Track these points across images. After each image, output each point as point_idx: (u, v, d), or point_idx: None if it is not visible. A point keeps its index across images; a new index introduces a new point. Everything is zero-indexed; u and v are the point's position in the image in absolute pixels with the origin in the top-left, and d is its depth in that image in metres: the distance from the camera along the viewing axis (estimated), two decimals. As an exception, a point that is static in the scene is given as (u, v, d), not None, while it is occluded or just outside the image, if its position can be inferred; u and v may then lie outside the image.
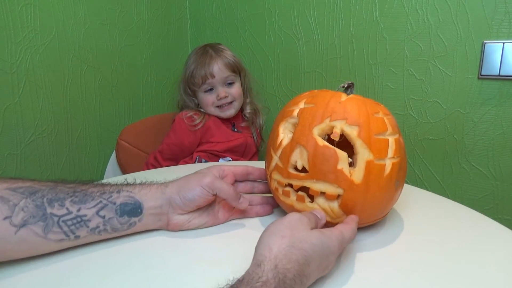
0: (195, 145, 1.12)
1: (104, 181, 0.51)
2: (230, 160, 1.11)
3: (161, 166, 1.11)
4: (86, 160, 1.15)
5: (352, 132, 0.49)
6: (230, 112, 1.14)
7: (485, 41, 0.99)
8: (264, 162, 0.59)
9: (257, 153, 1.24)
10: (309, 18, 1.23)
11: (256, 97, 1.26)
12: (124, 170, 1.12)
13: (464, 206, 0.65)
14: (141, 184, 0.51)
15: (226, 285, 0.35)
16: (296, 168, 0.50)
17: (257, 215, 0.58)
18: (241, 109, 1.21)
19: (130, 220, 0.48)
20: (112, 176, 1.16)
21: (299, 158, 0.50)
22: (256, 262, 0.37)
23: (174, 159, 1.13)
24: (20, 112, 0.97)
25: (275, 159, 0.53)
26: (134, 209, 0.48)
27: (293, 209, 0.52)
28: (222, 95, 1.11)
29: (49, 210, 0.43)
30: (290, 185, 0.52)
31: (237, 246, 0.50)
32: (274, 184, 0.54)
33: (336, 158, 0.48)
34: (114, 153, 1.17)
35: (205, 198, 0.51)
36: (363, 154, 0.49)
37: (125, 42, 1.22)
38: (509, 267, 0.47)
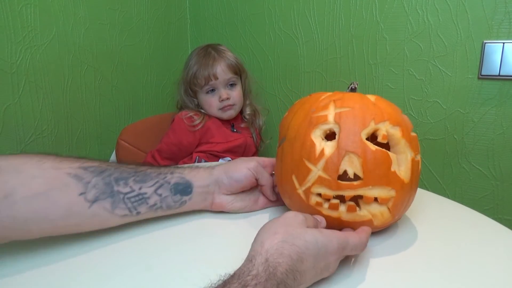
0: (194, 146, 1.12)
1: None
2: (230, 160, 1.11)
3: (159, 165, 1.11)
4: (86, 160, 1.15)
5: (396, 133, 0.49)
6: (230, 113, 1.15)
7: (485, 41, 0.99)
8: (281, 176, 0.54)
9: (257, 153, 1.24)
10: (309, 18, 1.23)
11: (256, 99, 1.26)
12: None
13: (464, 206, 0.65)
14: (190, 167, 0.57)
15: (219, 280, 0.36)
16: (340, 178, 0.47)
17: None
18: (241, 111, 1.21)
19: (182, 198, 0.53)
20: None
21: (348, 166, 0.47)
22: (248, 258, 0.38)
23: (173, 159, 1.13)
24: (20, 112, 0.97)
25: (316, 172, 0.48)
26: (185, 188, 0.53)
27: (340, 223, 0.49)
28: (224, 97, 1.11)
29: (116, 188, 0.48)
30: (338, 197, 0.48)
31: (239, 247, 0.50)
32: (314, 199, 0.49)
33: (390, 161, 0.47)
34: (114, 153, 1.17)
35: (250, 180, 0.56)
36: (407, 153, 0.49)
37: (125, 42, 1.22)
38: (509, 267, 0.47)
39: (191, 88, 1.14)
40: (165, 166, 0.55)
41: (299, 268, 0.38)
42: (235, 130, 1.18)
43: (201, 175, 0.55)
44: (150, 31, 1.31)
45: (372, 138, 0.49)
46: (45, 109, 1.02)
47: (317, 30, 1.23)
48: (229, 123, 1.17)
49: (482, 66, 1.00)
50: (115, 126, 1.23)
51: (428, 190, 0.74)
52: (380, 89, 1.16)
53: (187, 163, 1.10)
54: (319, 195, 0.48)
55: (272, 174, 0.60)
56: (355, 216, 0.48)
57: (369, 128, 0.48)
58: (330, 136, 0.49)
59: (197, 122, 1.11)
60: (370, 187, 0.47)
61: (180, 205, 0.53)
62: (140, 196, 0.50)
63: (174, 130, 1.11)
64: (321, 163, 0.48)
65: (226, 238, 0.52)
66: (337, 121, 0.49)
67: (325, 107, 0.51)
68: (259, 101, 1.28)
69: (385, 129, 0.48)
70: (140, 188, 0.50)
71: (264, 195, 0.60)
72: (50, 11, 1.00)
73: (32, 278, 0.42)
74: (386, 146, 0.49)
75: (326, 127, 0.49)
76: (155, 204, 0.51)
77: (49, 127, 1.04)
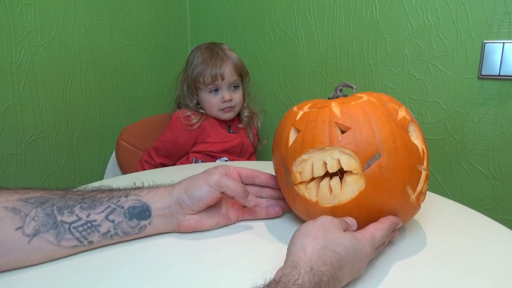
0: (190, 145, 1.12)
1: (113, 185, 0.51)
2: (227, 160, 1.11)
3: (155, 163, 1.11)
4: (86, 160, 1.15)
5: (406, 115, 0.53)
6: (230, 115, 1.15)
7: (485, 41, 0.99)
8: (274, 167, 0.55)
9: (255, 153, 1.23)
10: (309, 18, 1.23)
11: (253, 101, 1.26)
12: (124, 170, 1.12)
13: (464, 206, 0.65)
14: (148, 187, 0.51)
15: (262, 285, 0.36)
16: None
17: (267, 216, 0.57)
18: (238, 113, 1.21)
19: (140, 223, 0.49)
20: (112, 176, 1.16)
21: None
22: (292, 264, 0.37)
23: (169, 157, 1.13)
24: (20, 112, 0.97)
25: (424, 171, 0.50)
26: (142, 212, 0.48)
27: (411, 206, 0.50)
28: (227, 98, 1.11)
29: (59, 218, 0.44)
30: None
31: (238, 247, 0.50)
32: (422, 198, 0.51)
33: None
34: (114, 153, 1.17)
35: (213, 196, 0.51)
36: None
37: (125, 42, 1.22)
38: (509, 267, 0.47)
39: (195, 85, 1.13)
40: (120, 189, 0.50)
41: (338, 276, 0.38)
42: (231, 131, 1.17)
43: (160, 195, 0.50)
44: (150, 31, 1.31)
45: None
46: (45, 109, 1.02)
47: (317, 30, 1.23)
48: (226, 123, 1.17)
49: (482, 66, 1.00)
50: (115, 126, 1.23)
51: (428, 190, 0.74)
52: (380, 89, 1.16)
53: (184, 164, 1.10)
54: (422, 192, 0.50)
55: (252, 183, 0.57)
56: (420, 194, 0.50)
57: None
58: None
59: (194, 121, 1.11)
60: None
61: (140, 231, 0.49)
62: (89, 224, 0.45)
63: (171, 129, 1.11)
64: (425, 161, 0.50)
65: (227, 239, 0.52)
66: (412, 119, 0.51)
67: (394, 108, 0.51)
68: (256, 104, 1.27)
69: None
70: (88, 216, 0.45)
71: (238, 203, 0.55)
72: (50, 11, 1.00)
73: (33, 277, 0.42)
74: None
75: (411, 127, 0.51)
76: (108, 232, 0.47)
77: (49, 127, 1.04)
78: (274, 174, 0.57)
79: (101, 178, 1.19)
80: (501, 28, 0.97)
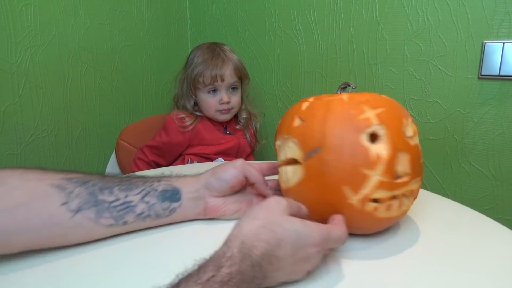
0: (183, 146, 1.12)
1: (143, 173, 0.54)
2: (223, 161, 1.11)
3: (148, 160, 1.11)
4: (86, 160, 1.15)
5: (415, 128, 0.53)
6: (226, 116, 1.14)
7: (485, 41, 0.99)
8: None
9: (252, 154, 1.23)
10: (309, 18, 1.23)
11: (252, 103, 1.25)
12: (124, 170, 1.12)
13: (464, 206, 0.65)
14: (177, 175, 0.55)
15: (194, 265, 0.36)
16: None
17: None
18: (236, 115, 1.20)
19: (171, 205, 0.51)
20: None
21: (400, 164, 0.48)
22: (225, 241, 0.39)
23: (162, 156, 1.13)
24: (20, 112, 0.97)
25: (375, 177, 0.46)
26: (173, 195, 0.52)
27: (388, 221, 0.50)
28: (225, 100, 1.10)
29: (100, 197, 0.47)
30: (391, 197, 0.48)
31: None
32: (370, 206, 0.47)
33: (420, 153, 0.51)
34: (114, 153, 1.17)
35: (238, 178, 0.54)
36: (419, 145, 0.53)
37: (125, 42, 1.22)
38: (509, 267, 0.47)
39: (193, 85, 1.12)
40: (151, 176, 0.54)
41: (276, 254, 0.38)
42: (228, 132, 1.17)
43: (188, 181, 0.54)
44: (150, 31, 1.31)
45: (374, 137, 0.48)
46: (45, 109, 1.02)
47: (317, 30, 1.23)
48: (222, 125, 1.17)
49: (482, 66, 1.00)
50: (115, 126, 1.23)
51: (428, 190, 0.74)
52: (380, 89, 1.16)
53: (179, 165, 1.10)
54: (375, 200, 0.47)
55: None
56: (399, 211, 0.50)
57: (404, 125, 0.50)
58: (371, 138, 0.48)
59: (188, 123, 1.11)
60: (413, 181, 0.50)
61: (170, 213, 0.52)
62: (126, 205, 0.48)
63: (166, 129, 1.12)
64: (380, 167, 0.46)
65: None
66: (381, 122, 0.47)
67: (363, 110, 0.48)
68: (255, 106, 1.26)
69: (410, 124, 0.52)
70: (126, 196, 0.48)
71: (258, 193, 0.58)
72: (50, 11, 1.00)
73: (33, 275, 0.42)
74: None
75: (370, 129, 0.47)
76: (142, 213, 0.49)
77: (49, 127, 1.04)
78: None
79: (101, 178, 1.19)
80: (501, 28, 0.97)
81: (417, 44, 1.08)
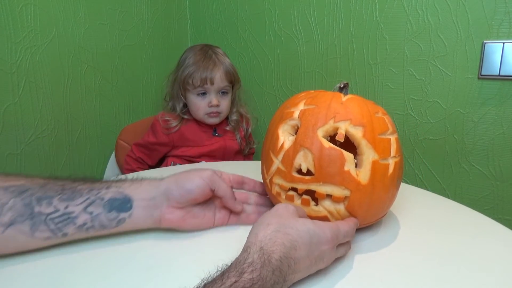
0: (169, 147, 1.12)
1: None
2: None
3: (135, 156, 1.12)
4: (86, 160, 1.15)
5: (357, 133, 0.49)
6: (215, 120, 1.13)
7: (485, 41, 0.99)
8: (261, 167, 0.57)
9: (241, 156, 1.21)
10: (309, 18, 1.23)
11: (245, 107, 1.24)
12: (123, 170, 1.12)
13: (464, 206, 0.65)
14: (132, 179, 0.50)
15: (217, 271, 0.37)
16: (299, 171, 0.49)
17: (252, 222, 0.55)
18: (226, 118, 1.19)
19: (119, 216, 0.47)
20: (112, 176, 1.16)
21: (303, 161, 0.49)
22: (244, 248, 0.39)
23: (148, 155, 1.13)
24: (20, 112, 0.97)
25: (276, 163, 0.51)
26: (123, 203, 0.47)
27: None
28: (214, 103, 1.09)
29: (36, 209, 0.43)
30: (294, 189, 0.50)
31: (236, 247, 0.50)
32: (275, 189, 0.52)
33: (343, 160, 0.47)
34: (114, 153, 1.17)
35: (203, 190, 0.50)
36: (369, 154, 0.48)
37: (125, 42, 1.22)
38: (509, 267, 0.47)
39: (183, 86, 1.12)
40: (102, 180, 0.49)
41: (293, 256, 0.39)
42: (216, 134, 1.16)
43: (144, 187, 0.49)
44: (150, 31, 1.31)
45: (336, 138, 0.49)
46: (45, 109, 1.02)
47: (317, 30, 1.23)
48: (211, 126, 1.15)
49: (482, 66, 1.00)
50: (115, 126, 1.23)
51: (428, 190, 0.74)
52: (380, 89, 1.16)
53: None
54: (280, 186, 0.51)
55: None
56: (310, 211, 0.49)
57: (327, 126, 0.49)
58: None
59: (173, 125, 1.11)
60: (321, 183, 0.48)
61: (118, 224, 0.47)
62: (66, 216, 0.44)
63: (152, 130, 1.12)
64: (280, 156, 0.51)
65: (225, 239, 0.52)
66: (300, 117, 0.51)
67: (297, 104, 0.53)
68: (247, 110, 1.25)
69: (343, 128, 0.49)
70: (66, 207, 0.44)
71: (226, 207, 0.54)
72: (50, 11, 1.00)
73: (30, 273, 0.42)
74: (349, 145, 0.50)
75: (292, 122, 0.52)
76: (84, 224, 0.45)
77: (49, 127, 1.04)
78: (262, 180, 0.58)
79: (101, 178, 1.19)
80: (501, 28, 0.97)
81: (417, 44, 1.08)
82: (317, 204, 0.49)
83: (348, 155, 0.48)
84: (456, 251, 0.50)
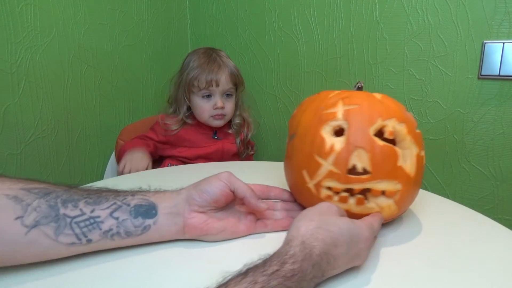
0: (166, 145, 1.13)
1: (113, 185, 0.50)
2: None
3: (143, 136, 1.12)
4: (86, 160, 1.15)
5: (402, 129, 0.51)
6: (220, 122, 1.13)
7: (485, 41, 0.99)
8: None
9: (237, 157, 1.20)
10: (309, 18, 1.23)
11: (248, 111, 1.24)
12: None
13: (464, 206, 0.65)
14: (155, 190, 0.50)
15: (259, 259, 0.38)
16: (350, 172, 0.50)
17: (282, 228, 0.53)
18: (229, 121, 1.19)
19: (144, 222, 0.46)
20: (112, 176, 1.16)
21: (357, 160, 0.49)
22: (285, 241, 0.40)
23: (148, 145, 1.12)
24: (20, 112, 0.97)
25: (326, 166, 0.50)
26: (148, 210, 0.46)
27: (350, 215, 0.50)
28: (219, 105, 1.09)
29: (62, 211, 0.42)
30: (347, 190, 0.51)
31: (241, 246, 0.50)
32: (324, 193, 0.51)
33: (396, 156, 0.50)
34: (113, 153, 1.17)
35: (223, 191, 0.49)
36: (412, 149, 0.52)
37: (125, 42, 1.22)
38: (509, 267, 0.47)
39: (188, 89, 1.11)
40: (125, 190, 0.49)
41: (332, 252, 0.40)
42: (216, 137, 1.15)
43: (167, 196, 0.49)
44: (150, 31, 1.31)
45: (378, 134, 0.51)
46: (45, 109, 1.02)
47: (317, 30, 1.23)
48: (212, 129, 1.15)
49: (482, 66, 1.00)
50: (115, 126, 1.23)
51: (428, 190, 0.74)
52: (380, 89, 1.16)
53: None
54: (329, 188, 0.51)
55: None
56: (364, 209, 0.51)
57: (377, 125, 0.50)
58: (338, 132, 0.52)
59: (173, 128, 1.11)
60: (378, 180, 0.50)
61: (143, 231, 0.46)
62: (92, 220, 0.43)
63: (153, 129, 1.13)
64: (331, 158, 0.50)
65: (230, 241, 0.52)
66: (345, 118, 0.51)
67: (334, 104, 0.53)
68: (250, 115, 1.24)
69: (391, 126, 0.51)
70: (92, 211, 0.43)
71: (249, 209, 0.52)
72: (50, 11, 1.00)
73: (28, 274, 0.42)
74: (392, 142, 0.52)
75: (335, 123, 0.51)
76: (110, 230, 0.44)
77: (49, 127, 1.04)
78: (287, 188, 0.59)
79: (101, 178, 1.19)
80: (501, 28, 0.97)
81: (417, 44, 1.08)
82: (368, 202, 0.51)
83: (400, 151, 0.51)
84: (455, 251, 0.50)
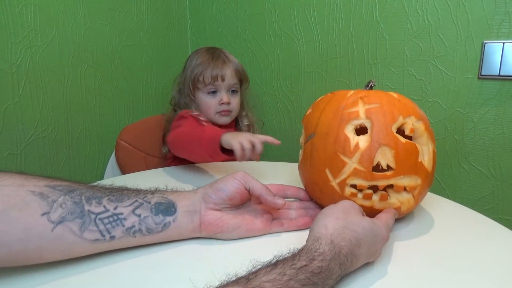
0: None
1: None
2: None
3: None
4: (86, 160, 1.15)
5: (420, 126, 0.54)
6: (226, 119, 1.11)
7: (485, 41, 0.99)
8: (303, 174, 0.59)
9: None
10: (309, 18, 1.23)
11: (252, 110, 1.23)
12: (124, 170, 1.12)
13: (464, 206, 0.65)
14: (172, 190, 0.52)
15: (288, 252, 0.39)
16: (374, 169, 0.52)
17: (298, 227, 0.54)
18: (237, 122, 1.18)
19: (165, 219, 0.47)
20: (112, 176, 1.16)
21: (381, 158, 0.51)
22: (314, 238, 0.41)
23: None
24: (20, 112, 0.97)
25: (351, 164, 0.52)
26: (168, 208, 0.48)
27: (372, 211, 0.52)
28: (225, 100, 1.08)
29: (87, 207, 0.43)
30: (370, 187, 0.52)
31: (243, 249, 0.50)
32: (349, 191, 0.52)
33: (417, 152, 0.52)
34: (114, 153, 1.17)
35: (238, 189, 0.50)
36: (429, 144, 0.54)
37: (125, 42, 1.22)
38: (509, 267, 0.47)
39: (193, 85, 1.10)
40: (145, 189, 0.50)
41: (356, 252, 0.41)
42: None
43: (184, 195, 0.50)
44: (150, 31, 1.31)
45: (398, 132, 0.53)
46: (45, 109, 1.02)
47: (317, 30, 1.23)
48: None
49: (482, 66, 1.00)
50: (115, 126, 1.23)
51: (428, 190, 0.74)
52: (380, 89, 1.15)
53: None
54: (353, 186, 0.52)
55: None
56: (386, 204, 0.52)
57: (398, 122, 0.53)
58: (358, 131, 0.53)
59: (201, 119, 1.06)
60: (402, 176, 0.52)
61: (164, 228, 0.47)
62: (115, 217, 0.44)
63: (188, 119, 1.03)
64: (356, 156, 0.51)
65: (232, 243, 0.52)
66: (368, 117, 0.53)
67: (354, 103, 0.54)
68: (254, 114, 1.24)
69: (411, 123, 0.53)
70: (115, 208, 0.44)
71: (265, 206, 0.53)
72: (50, 11, 1.00)
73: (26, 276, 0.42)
74: (409, 139, 0.54)
75: (357, 122, 0.53)
76: (132, 227, 0.45)
77: (49, 127, 1.04)
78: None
79: (101, 178, 1.19)
80: (501, 28, 0.97)
81: (417, 44, 1.08)
82: (389, 197, 0.53)
83: (420, 148, 0.53)
84: (455, 251, 0.50)
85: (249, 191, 0.51)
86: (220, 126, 1.12)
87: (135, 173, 0.85)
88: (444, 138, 1.09)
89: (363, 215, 0.47)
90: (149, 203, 0.47)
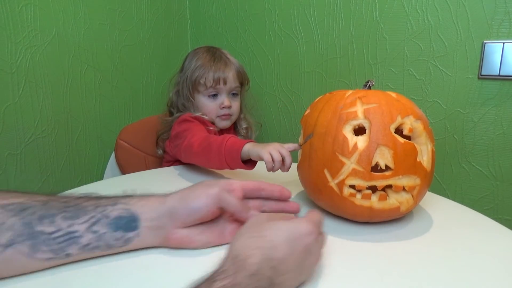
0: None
1: (109, 187, 0.49)
2: None
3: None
4: (86, 160, 1.15)
5: (419, 126, 0.54)
6: (226, 123, 1.10)
7: (485, 41, 0.99)
8: (302, 174, 0.58)
9: None
10: (309, 18, 1.23)
11: (250, 112, 1.23)
12: (123, 170, 1.12)
13: (464, 206, 0.65)
14: (140, 195, 0.48)
15: (190, 285, 0.35)
16: (373, 169, 0.51)
17: None
18: (236, 124, 1.17)
19: (125, 235, 0.45)
20: (111, 176, 1.16)
21: (380, 158, 0.51)
22: (220, 261, 0.37)
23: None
24: (20, 112, 0.97)
25: (349, 164, 0.51)
26: (129, 222, 0.44)
27: (371, 211, 0.52)
28: (226, 104, 1.06)
29: (38, 228, 0.41)
30: (369, 187, 0.52)
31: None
32: (347, 191, 0.52)
33: (416, 152, 0.52)
34: (114, 153, 1.17)
35: (209, 209, 0.46)
36: (428, 144, 0.54)
37: (125, 42, 1.22)
38: (509, 267, 0.47)
39: (193, 88, 1.07)
40: (109, 196, 0.46)
41: (275, 256, 0.37)
42: None
43: (151, 204, 0.46)
44: (150, 31, 1.31)
45: (396, 132, 0.53)
46: (45, 109, 1.02)
47: (317, 30, 1.22)
48: (220, 133, 1.11)
49: (482, 66, 1.00)
50: (115, 126, 1.23)
51: (428, 190, 0.74)
52: (380, 89, 1.15)
53: None
54: (352, 186, 0.52)
55: (244, 199, 0.51)
56: (385, 204, 0.52)
57: (397, 122, 0.52)
58: (357, 131, 0.53)
59: (207, 119, 1.05)
60: (400, 176, 0.51)
61: (125, 243, 0.45)
62: (69, 236, 0.42)
63: (194, 123, 1.00)
64: (355, 156, 0.51)
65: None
66: (366, 117, 0.52)
67: (353, 103, 0.54)
68: (252, 116, 1.23)
69: (409, 123, 0.53)
70: (69, 226, 0.42)
71: (237, 220, 0.49)
72: (50, 11, 1.00)
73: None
74: (407, 138, 0.53)
75: (355, 122, 0.53)
76: (89, 244, 0.43)
77: (49, 127, 1.04)
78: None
79: (101, 178, 1.19)
80: (501, 28, 0.97)
81: (417, 44, 1.08)
82: (388, 197, 0.53)
83: (418, 147, 0.53)
84: (455, 251, 0.50)
85: (221, 209, 0.48)
86: (219, 130, 1.11)
87: (135, 173, 0.85)
88: (444, 138, 1.09)
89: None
90: (108, 217, 0.44)
